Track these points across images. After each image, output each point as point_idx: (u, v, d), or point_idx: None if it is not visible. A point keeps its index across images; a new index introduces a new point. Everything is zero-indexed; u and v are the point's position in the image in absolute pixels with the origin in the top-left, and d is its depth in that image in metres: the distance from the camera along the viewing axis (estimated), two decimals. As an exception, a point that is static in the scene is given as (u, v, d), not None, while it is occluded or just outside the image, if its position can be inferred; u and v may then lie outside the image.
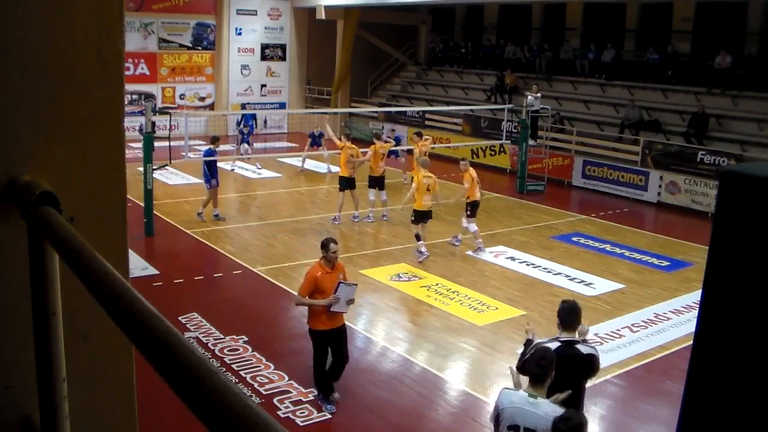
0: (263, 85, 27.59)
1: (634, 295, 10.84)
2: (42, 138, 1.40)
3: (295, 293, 10.54)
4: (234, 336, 8.70)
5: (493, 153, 21.30)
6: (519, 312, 9.86)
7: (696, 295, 10.25)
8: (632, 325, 9.64)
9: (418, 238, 12.10)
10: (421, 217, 12.14)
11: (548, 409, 4.37)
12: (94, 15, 1.43)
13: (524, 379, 4.84)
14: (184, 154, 14.46)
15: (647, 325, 9.65)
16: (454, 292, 10.65)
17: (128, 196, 1.59)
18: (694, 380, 1.21)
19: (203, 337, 8.67)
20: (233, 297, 10.41)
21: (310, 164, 20.43)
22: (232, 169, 19.70)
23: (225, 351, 8.31)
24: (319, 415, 7.01)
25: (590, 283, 11.25)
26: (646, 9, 21.89)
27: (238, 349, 8.37)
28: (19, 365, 1.36)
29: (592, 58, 22.15)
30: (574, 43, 23.31)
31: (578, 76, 22.30)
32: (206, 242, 12.95)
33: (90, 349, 1.47)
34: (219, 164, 14.54)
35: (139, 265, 11.01)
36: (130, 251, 1.68)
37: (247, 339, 8.63)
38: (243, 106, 25.73)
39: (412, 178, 15.16)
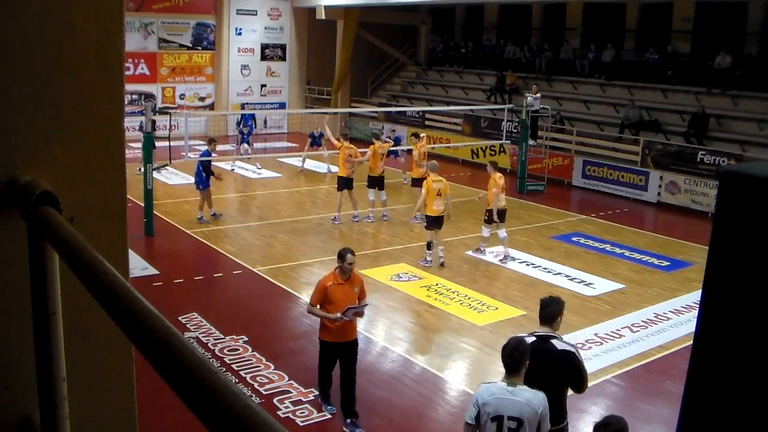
0: (263, 85, 27.59)
1: (634, 295, 10.84)
2: (42, 138, 1.40)
3: (295, 293, 10.63)
4: (234, 336, 8.70)
5: (493, 153, 21.28)
6: (519, 312, 9.86)
7: (696, 295, 10.25)
8: (632, 325, 9.64)
9: (429, 246, 11.81)
10: (434, 222, 11.79)
11: (528, 395, 4.45)
12: (94, 15, 1.43)
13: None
14: (184, 154, 14.47)
15: (647, 325, 9.65)
16: (454, 292, 10.65)
17: (128, 196, 1.59)
18: (694, 380, 1.21)
19: (203, 337, 8.67)
20: (233, 297, 10.41)
21: (310, 164, 20.43)
22: (232, 169, 19.70)
23: (225, 351, 8.31)
24: (319, 415, 7.01)
25: (590, 283, 11.25)
26: (646, 9, 21.89)
27: (238, 349, 8.37)
28: (19, 365, 1.36)
29: (592, 58, 22.15)
30: (574, 43, 23.31)
31: (578, 76, 22.30)
32: (206, 242, 12.95)
33: (90, 349, 1.47)
34: (219, 164, 14.54)
35: (139, 265, 11.01)
36: (130, 251, 1.68)
37: (247, 339, 8.63)
38: (242, 106, 25.74)
39: (413, 179, 15.18)
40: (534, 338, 5.08)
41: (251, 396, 6.68)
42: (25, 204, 1.28)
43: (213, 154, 14.23)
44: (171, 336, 0.87)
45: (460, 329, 9.30)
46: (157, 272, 11.06)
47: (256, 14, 26.91)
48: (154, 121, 13.90)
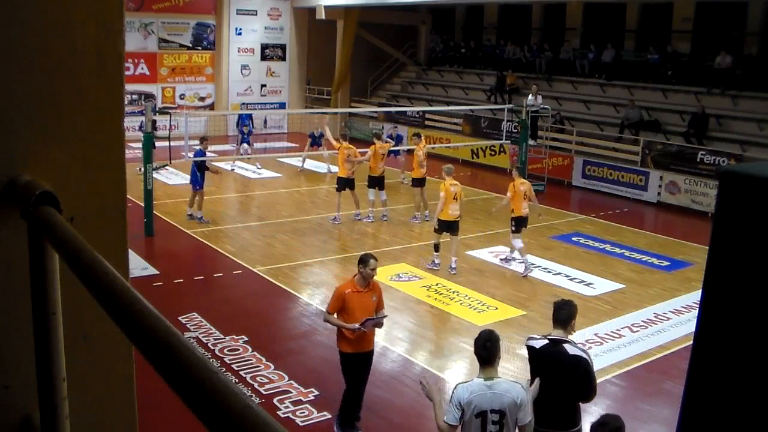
0: (263, 85, 27.59)
1: (634, 295, 10.84)
2: (42, 138, 1.40)
3: (295, 293, 10.63)
4: (234, 336, 8.70)
5: (493, 153, 21.29)
6: (519, 312, 9.87)
7: (696, 295, 10.25)
8: (632, 325, 9.64)
9: (436, 248, 11.63)
10: (446, 226, 11.45)
11: (506, 386, 4.50)
12: (94, 15, 1.43)
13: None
14: (184, 154, 14.46)
15: (647, 325, 9.65)
16: (454, 292, 10.65)
17: (128, 196, 1.59)
18: (694, 380, 1.21)
19: (203, 337, 8.67)
20: (233, 297, 10.41)
21: (310, 164, 20.43)
22: (233, 169, 19.70)
23: (225, 351, 8.31)
24: (319, 415, 7.00)
25: (590, 283, 11.25)
26: (646, 9, 21.89)
27: (238, 349, 8.37)
28: (19, 365, 1.36)
29: (592, 58, 22.15)
30: (574, 43, 23.31)
31: (578, 76, 22.29)
32: (206, 242, 12.95)
33: (90, 349, 1.47)
34: (219, 164, 14.52)
35: (139, 265, 11.01)
36: (130, 251, 1.68)
37: (247, 339, 8.63)
38: (242, 107, 25.74)
39: (413, 179, 15.16)
40: (546, 341, 4.99)
41: (251, 396, 6.68)
42: (25, 204, 1.28)
43: (208, 153, 14.18)
44: (171, 336, 0.87)
45: (460, 329, 9.30)
46: (157, 272, 11.06)
47: (256, 14, 26.91)
48: (154, 121, 13.90)
